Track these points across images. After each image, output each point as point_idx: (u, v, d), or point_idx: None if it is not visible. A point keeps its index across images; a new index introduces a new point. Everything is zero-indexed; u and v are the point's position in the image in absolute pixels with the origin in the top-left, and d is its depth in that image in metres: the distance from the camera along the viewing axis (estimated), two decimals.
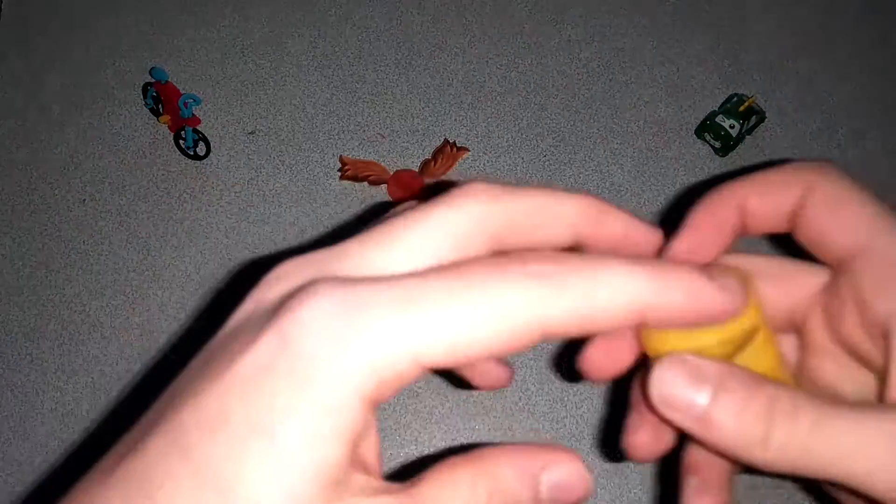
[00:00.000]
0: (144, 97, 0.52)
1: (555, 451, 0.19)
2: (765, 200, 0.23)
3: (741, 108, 0.51)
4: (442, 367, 0.17)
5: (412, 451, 0.46)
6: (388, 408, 0.46)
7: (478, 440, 0.46)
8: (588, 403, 0.47)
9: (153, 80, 0.50)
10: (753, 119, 0.52)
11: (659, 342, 0.21)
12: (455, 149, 0.51)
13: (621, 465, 0.46)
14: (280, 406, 0.16)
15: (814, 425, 0.18)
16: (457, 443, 0.46)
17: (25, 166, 0.51)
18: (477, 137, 0.52)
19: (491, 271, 0.17)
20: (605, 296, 0.17)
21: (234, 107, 0.53)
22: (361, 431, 0.18)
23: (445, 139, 0.52)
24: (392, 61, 0.54)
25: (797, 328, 0.24)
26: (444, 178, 0.51)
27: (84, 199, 0.51)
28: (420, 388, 0.47)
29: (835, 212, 0.22)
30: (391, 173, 0.50)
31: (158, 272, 0.49)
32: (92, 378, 0.47)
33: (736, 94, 0.53)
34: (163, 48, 0.54)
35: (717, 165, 0.52)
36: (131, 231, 0.50)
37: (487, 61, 0.54)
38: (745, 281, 0.20)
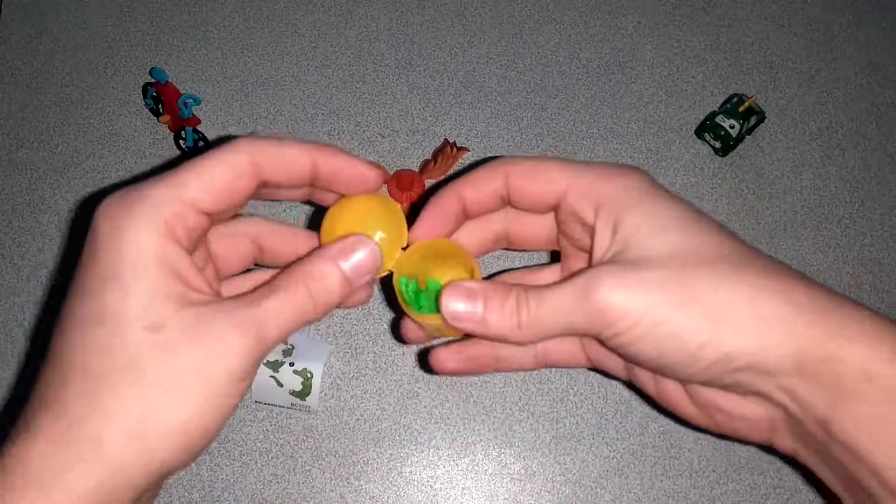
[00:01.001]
0: (144, 97, 0.52)
1: (350, 240, 0.29)
2: (476, 191, 0.31)
3: (741, 108, 0.51)
4: (207, 208, 0.27)
5: (412, 451, 0.46)
6: (388, 408, 0.46)
7: (478, 440, 0.46)
8: (588, 403, 0.47)
9: (153, 80, 0.50)
10: (753, 119, 0.52)
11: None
12: (455, 149, 0.51)
13: (621, 465, 0.46)
14: (107, 274, 0.25)
15: (537, 304, 0.28)
16: (457, 443, 0.46)
17: (25, 166, 0.51)
18: (477, 137, 0.52)
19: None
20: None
21: (234, 107, 0.53)
22: (175, 259, 0.26)
23: (445, 139, 0.52)
24: (392, 61, 0.54)
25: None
26: (444, 178, 0.51)
27: (84, 199, 0.51)
28: (420, 388, 0.47)
29: (530, 179, 0.31)
30: (391, 173, 0.50)
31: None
32: None
33: (736, 94, 0.53)
34: (163, 48, 0.54)
35: (717, 165, 0.52)
36: None
37: (487, 61, 0.54)
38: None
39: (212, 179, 0.27)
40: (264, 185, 0.29)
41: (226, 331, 0.25)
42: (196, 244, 0.27)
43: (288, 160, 0.28)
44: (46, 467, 0.23)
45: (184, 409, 0.24)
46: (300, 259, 0.29)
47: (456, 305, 0.29)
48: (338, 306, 0.29)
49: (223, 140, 0.51)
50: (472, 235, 0.34)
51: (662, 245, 0.28)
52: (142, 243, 0.25)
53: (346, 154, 0.30)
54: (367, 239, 0.29)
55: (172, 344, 0.25)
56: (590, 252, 0.31)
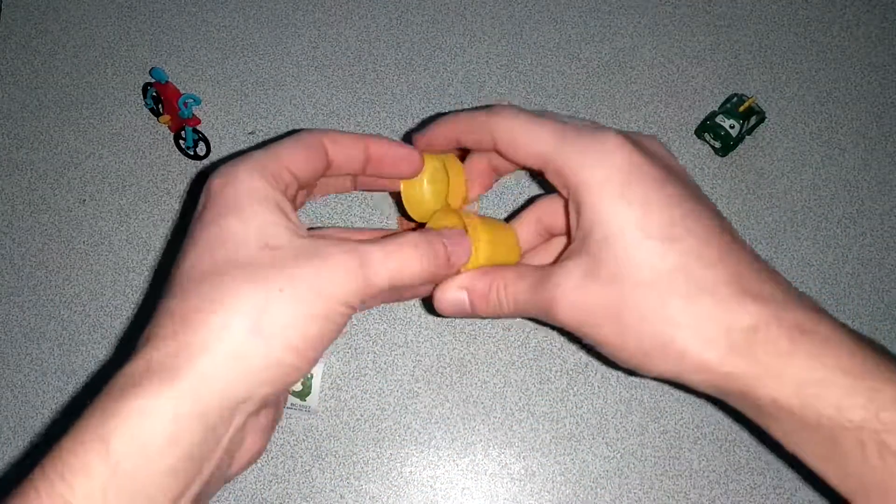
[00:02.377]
0: (144, 97, 0.52)
1: (458, 235, 0.33)
2: (467, 139, 0.35)
3: (741, 108, 0.51)
4: (297, 172, 0.31)
5: (412, 451, 0.46)
6: (388, 408, 0.46)
7: (478, 440, 0.46)
8: (588, 403, 0.47)
9: (153, 80, 0.50)
10: (753, 119, 0.52)
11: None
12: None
13: (621, 465, 0.46)
14: (227, 209, 0.29)
15: (512, 302, 0.33)
16: (457, 443, 0.46)
17: (25, 166, 0.51)
18: None
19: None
20: None
21: (234, 107, 0.53)
22: (282, 202, 0.30)
23: None
24: (392, 61, 0.54)
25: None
26: None
27: (84, 199, 0.51)
28: (420, 388, 0.47)
29: (511, 146, 0.33)
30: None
31: (158, 272, 0.49)
32: (92, 378, 0.47)
33: (736, 94, 0.53)
34: (163, 48, 0.54)
35: (717, 165, 0.52)
36: (131, 231, 0.50)
37: (487, 61, 0.54)
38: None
39: (297, 151, 0.31)
40: (329, 166, 0.33)
41: (339, 260, 0.28)
42: (292, 202, 0.31)
43: (347, 144, 0.33)
44: (167, 367, 0.26)
45: (298, 311, 0.27)
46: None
47: (448, 297, 0.34)
48: (407, 293, 0.35)
49: (223, 140, 0.52)
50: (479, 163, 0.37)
51: (620, 255, 0.29)
52: (255, 186, 0.29)
53: (391, 140, 0.34)
54: (469, 244, 0.34)
55: (289, 260, 0.28)
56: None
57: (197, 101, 0.49)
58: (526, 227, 0.38)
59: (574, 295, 0.30)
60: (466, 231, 0.34)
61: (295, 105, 0.53)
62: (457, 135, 0.35)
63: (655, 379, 0.30)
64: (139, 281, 0.49)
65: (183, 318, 0.26)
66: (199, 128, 0.50)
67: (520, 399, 0.47)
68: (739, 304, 0.27)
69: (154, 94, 0.50)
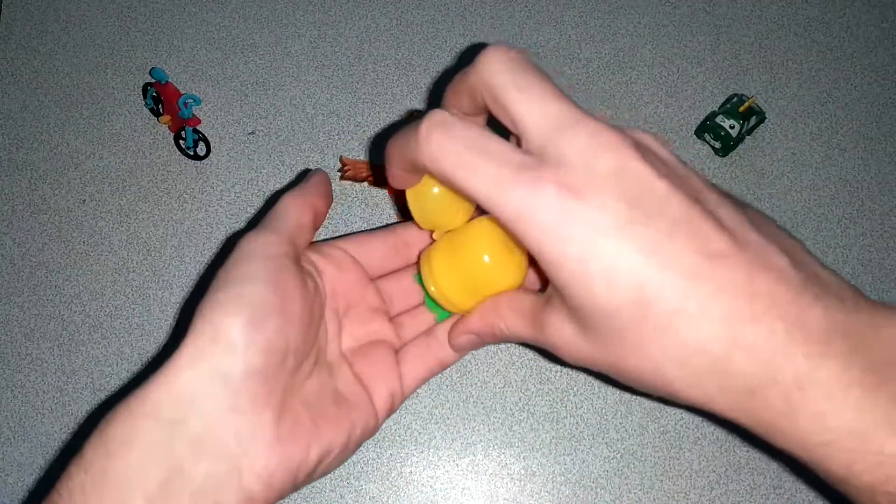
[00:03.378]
0: (144, 97, 0.52)
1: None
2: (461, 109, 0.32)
3: (741, 109, 0.51)
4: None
5: (412, 451, 0.46)
6: None
7: (478, 440, 0.46)
8: (588, 403, 0.47)
9: (153, 80, 0.50)
10: (753, 119, 0.52)
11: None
12: None
13: (621, 465, 0.46)
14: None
15: (513, 324, 0.33)
16: (457, 443, 0.46)
17: (25, 166, 0.51)
18: None
19: None
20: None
21: (234, 107, 0.53)
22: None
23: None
24: (392, 61, 0.54)
25: None
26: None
27: (84, 199, 0.51)
28: (420, 388, 0.47)
29: (500, 115, 0.30)
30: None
31: (158, 272, 0.49)
32: (92, 378, 0.47)
33: (736, 94, 0.53)
34: (163, 48, 0.54)
35: (717, 165, 0.52)
36: (131, 231, 0.50)
37: None
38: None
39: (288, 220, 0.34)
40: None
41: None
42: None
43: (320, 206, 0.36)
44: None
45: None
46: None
47: (460, 345, 0.37)
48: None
49: (223, 140, 0.52)
50: None
51: (599, 319, 0.27)
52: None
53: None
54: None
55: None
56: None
57: (197, 101, 0.49)
58: None
59: (572, 350, 0.29)
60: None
61: (295, 105, 0.53)
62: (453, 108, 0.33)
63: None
64: (139, 281, 0.49)
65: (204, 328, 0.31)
66: (199, 128, 0.50)
67: (520, 399, 0.47)
68: (731, 361, 0.25)
69: (154, 94, 0.51)
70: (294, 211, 0.35)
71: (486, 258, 0.33)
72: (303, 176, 0.38)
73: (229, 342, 0.29)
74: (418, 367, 0.38)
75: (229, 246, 0.37)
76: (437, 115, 0.29)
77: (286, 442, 0.30)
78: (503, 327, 0.33)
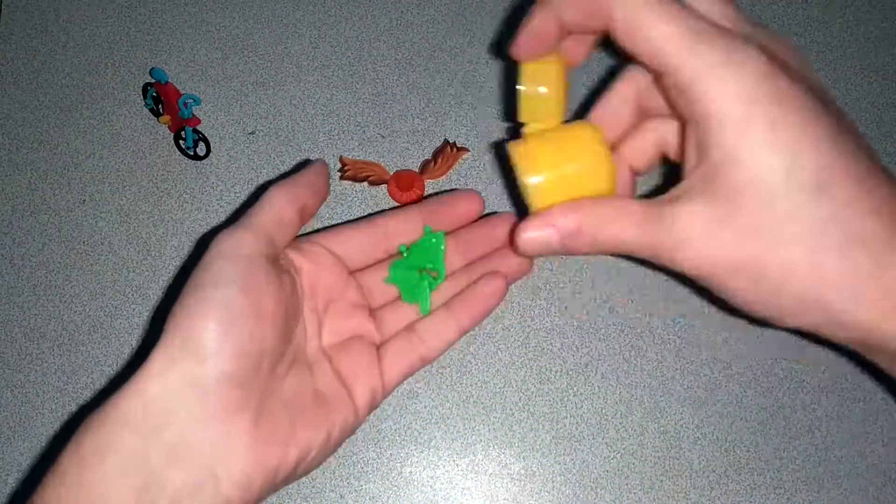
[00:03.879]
0: (144, 97, 0.52)
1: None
2: (578, 14, 0.29)
3: None
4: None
5: (412, 451, 0.46)
6: (387, 408, 0.46)
7: (478, 440, 0.46)
8: (588, 403, 0.47)
9: (153, 80, 0.50)
10: None
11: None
12: (455, 149, 0.51)
13: (621, 465, 0.46)
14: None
15: (615, 226, 0.30)
16: (457, 443, 0.46)
17: (25, 166, 0.51)
18: (477, 137, 0.52)
19: None
20: None
21: (234, 107, 0.53)
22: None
23: (445, 139, 0.52)
24: (392, 61, 0.54)
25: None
26: (443, 178, 0.51)
27: (84, 200, 0.51)
28: (420, 388, 0.47)
29: (629, 35, 0.27)
30: (391, 173, 0.50)
31: (158, 272, 0.49)
32: (92, 378, 0.47)
33: None
34: (163, 48, 0.54)
35: None
36: (131, 231, 0.50)
37: (487, 61, 0.54)
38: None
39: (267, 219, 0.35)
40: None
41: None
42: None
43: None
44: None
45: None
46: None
47: (530, 239, 0.31)
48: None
49: (223, 140, 0.52)
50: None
51: (764, 206, 0.25)
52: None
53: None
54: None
55: None
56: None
57: (197, 101, 0.49)
58: (615, 105, 0.33)
59: (702, 244, 0.26)
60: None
61: (295, 105, 0.53)
62: (561, 14, 0.30)
63: (784, 329, 0.28)
64: (139, 281, 0.49)
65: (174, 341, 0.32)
66: (199, 128, 0.50)
67: (520, 399, 0.47)
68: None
69: (154, 94, 0.51)
70: (277, 205, 0.34)
71: (598, 155, 0.31)
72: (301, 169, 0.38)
73: (199, 349, 0.29)
74: (400, 362, 0.38)
75: (204, 244, 0.37)
76: None
77: (263, 445, 0.30)
78: (596, 225, 0.30)
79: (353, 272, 0.39)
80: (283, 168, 0.51)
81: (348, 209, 0.50)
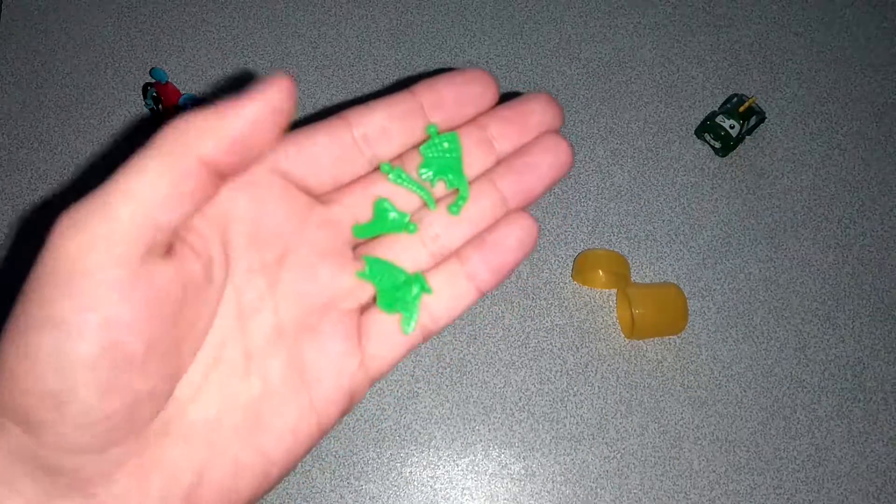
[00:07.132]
0: (144, 97, 0.52)
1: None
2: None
3: (741, 109, 0.51)
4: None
5: (412, 451, 0.46)
6: (387, 408, 0.46)
7: (478, 440, 0.46)
8: (588, 403, 0.47)
9: (153, 80, 0.50)
10: (753, 119, 0.52)
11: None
12: None
13: (621, 465, 0.46)
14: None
15: None
16: (457, 443, 0.46)
17: (25, 166, 0.51)
18: None
19: None
20: None
21: None
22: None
23: None
24: (392, 61, 0.54)
25: None
26: None
27: None
28: (420, 388, 0.47)
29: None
30: None
31: None
32: None
33: (736, 94, 0.53)
34: (163, 48, 0.54)
35: (717, 165, 0.52)
36: None
37: (487, 61, 0.54)
38: None
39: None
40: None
41: None
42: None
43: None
44: None
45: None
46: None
47: None
48: None
49: None
50: None
51: None
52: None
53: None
54: None
55: None
56: None
57: (197, 101, 0.49)
58: None
59: None
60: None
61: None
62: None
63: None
64: None
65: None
66: None
67: (520, 399, 0.47)
68: None
69: (154, 94, 0.51)
70: (155, 176, 0.20)
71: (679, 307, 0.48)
72: None
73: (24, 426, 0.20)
74: (391, 337, 0.24)
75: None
76: None
77: None
78: None
79: (319, 197, 0.25)
80: None
81: None
